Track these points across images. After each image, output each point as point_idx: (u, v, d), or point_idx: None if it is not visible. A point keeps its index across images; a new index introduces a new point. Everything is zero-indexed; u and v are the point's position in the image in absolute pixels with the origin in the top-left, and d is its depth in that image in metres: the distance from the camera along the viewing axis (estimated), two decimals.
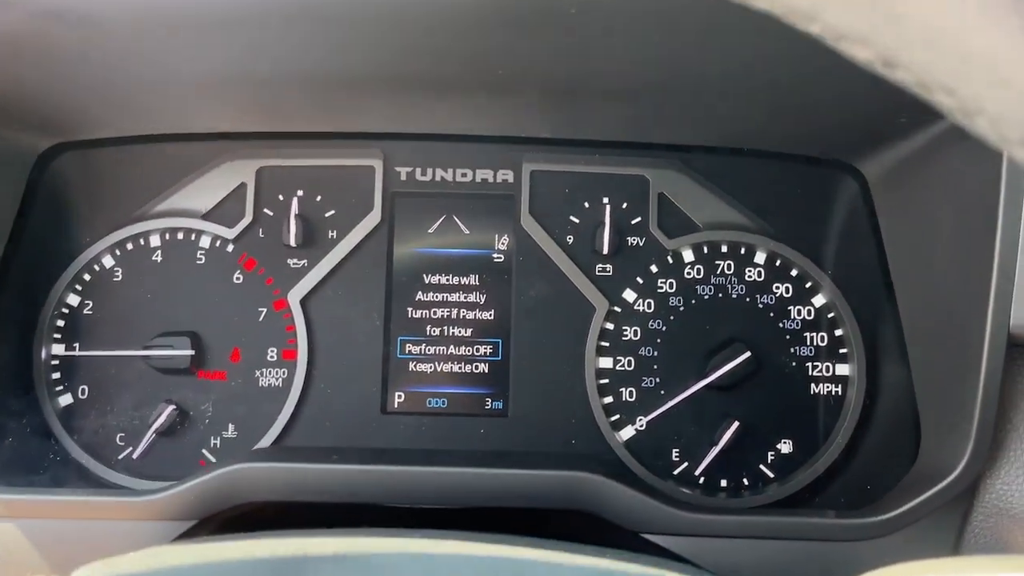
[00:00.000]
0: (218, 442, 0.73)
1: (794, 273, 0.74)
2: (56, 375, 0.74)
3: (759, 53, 0.54)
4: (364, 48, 0.59)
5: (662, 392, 0.73)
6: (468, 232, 0.76)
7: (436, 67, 0.61)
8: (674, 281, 0.74)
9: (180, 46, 0.56)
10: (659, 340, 0.74)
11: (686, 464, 0.73)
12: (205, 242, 0.75)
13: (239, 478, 0.59)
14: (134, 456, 0.73)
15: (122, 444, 0.73)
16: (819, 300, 0.74)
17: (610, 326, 0.74)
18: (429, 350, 0.75)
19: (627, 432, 0.73)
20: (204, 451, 0.73)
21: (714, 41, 0.54)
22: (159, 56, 0.58)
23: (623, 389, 0.73)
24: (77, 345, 0.74)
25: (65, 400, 0.73)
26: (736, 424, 0.71)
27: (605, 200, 0.74)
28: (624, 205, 0.75)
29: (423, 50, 0.58)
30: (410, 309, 0.75)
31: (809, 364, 0.73)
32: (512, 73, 0.62)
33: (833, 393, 0.73)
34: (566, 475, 0.59)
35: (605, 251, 0.73)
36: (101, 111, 0.69)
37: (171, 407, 0.72)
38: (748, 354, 0.71)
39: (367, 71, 0.63)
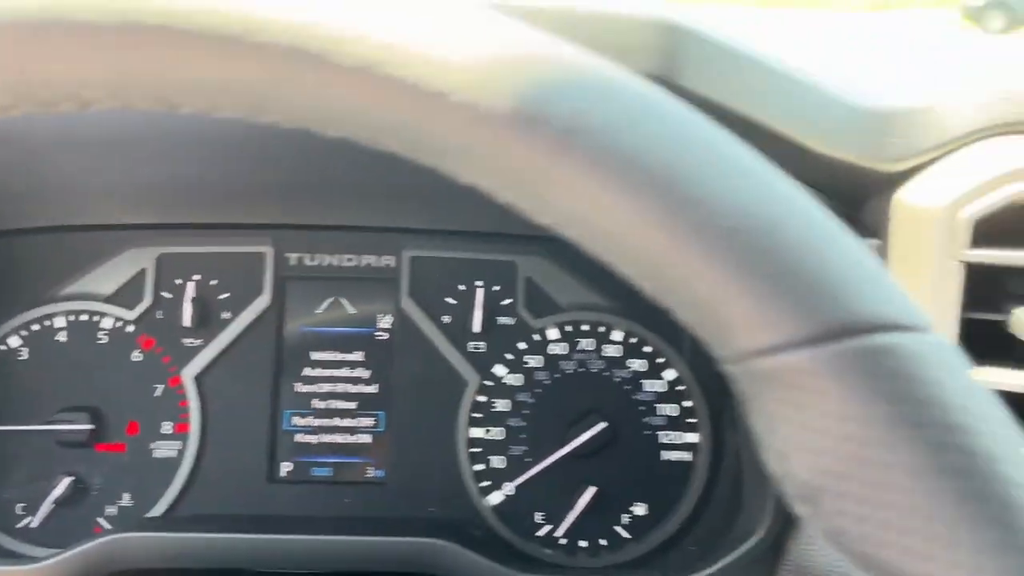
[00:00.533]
0: (114, 511, 0.78)
1: (648, 350, 0.82)
2: None
3: None
4: (235, 161, 0.67)
5: (528, 460, 0.80)
6: (354, 312, 0.83)
7: (309, 176, 0.69)
8: (541, 357, 0.82)
9: (76, 161, 0.63)
10: (527, 411, 0.81)
11: (550, 527, 0.79)
12: (107, 323, 0.81)
13: (122, 546, 0.65)
14: (32, 525, 0.77)
15: (22, 513, 0.78)
16: (670, 374, 0.81)
17: (482, 399, 0.80)
18: (315, 422, 0.81)
19: (496, 497, 0.79)
20: (100, 519, 0.78)
21: None
22: (58, 168, 0.65)
23: (493, 457, 0.80)
24: None
25: None
26: (594, 489, 0.78)
27: (478, 283, 0.82)
28: (495, 288, 0.82)
29: (289, 163, 0.65)
30: (298, 384, 0.82)
31: (661, 432, 0.80)
32: (381, 177, 0.70)
33: (682, 460, 0.80)
34: (413, 542, 0.65)
35: (477, 330, 0.81)
36: (5, 208, 0.75)
37: (69, 478, 0.77)
38: (604, 424, 0.78)
39: (248, 179, 0.71)
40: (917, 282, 0.55)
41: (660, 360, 0.81)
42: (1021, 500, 0.28)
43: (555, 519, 0.79)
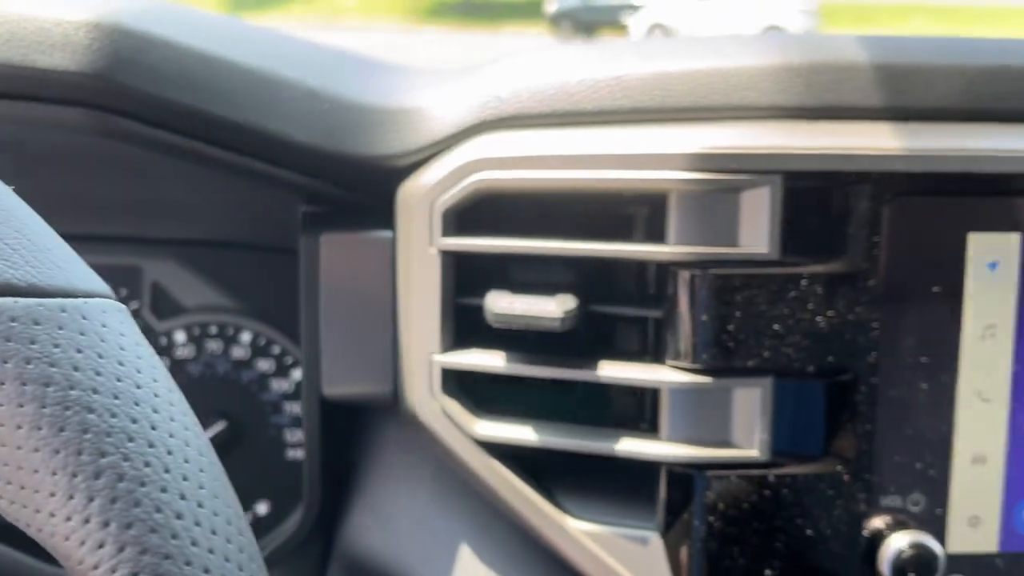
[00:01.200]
0: None
1: (276, 351, 0.83)
2: None
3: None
4: None
5: None
6: None
7: None
8: (167, 360, 0.82)
9: None
10: None
11: None
12: None
13: None
14: None
15: None
16: (298, 374, 0.83)
17: None
18: None
19: None
20: None
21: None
22: None
23: None
24: None
25: None
26: None
27: None
28: (122, 292, 0.82)
29: None
30: None
31: (286, 431, 0.82)
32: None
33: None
34: None
35: None
36: None
37: None
38: (224, 424, 0.79)
39: None
40: (411, 270, 0.58)
41: (288, 361, 0.83)
42: (112, 448, 0.30)
43: None
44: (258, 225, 0.79)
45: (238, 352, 0.84)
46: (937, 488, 0.54)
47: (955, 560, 0.55)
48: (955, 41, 0.57)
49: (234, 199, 0.74)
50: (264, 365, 0.84)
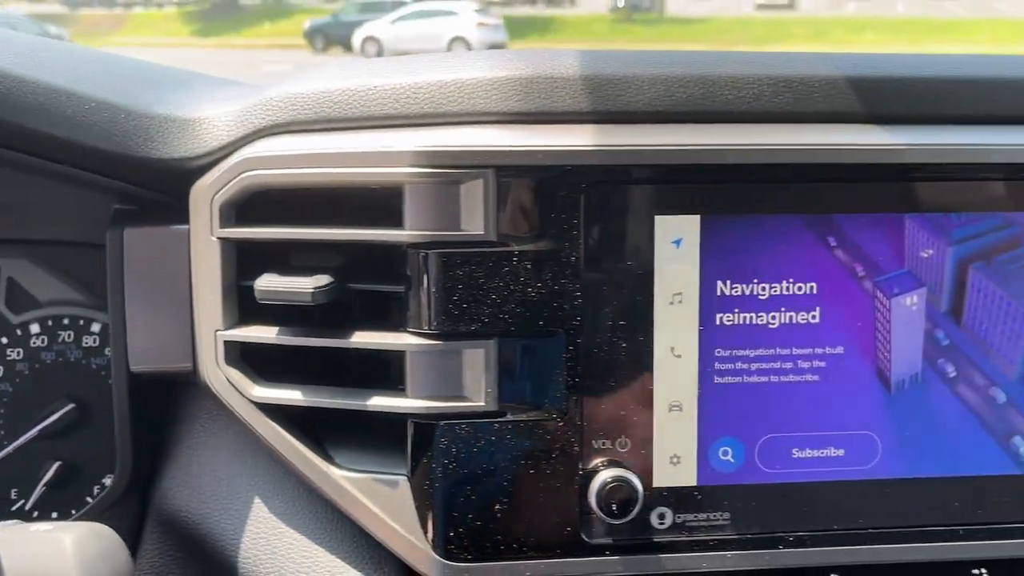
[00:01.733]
0: None
1: None
2: None
3: None
4: None
5: (5, 443, 0.88)
6: None
7: None
8: (21, 350, 0.90)
9: None
10: (6, 399, 0.89)
11: (22, 502, 0.87)
12: None
13: None
14: None
15: None
16: None
17: None
18: None
19: None
20: None
21: None
22: None
23: None
24: None
25: None
26: (58, 463, 0.87)
27: None
28: None
29: None
30: None
31: None
32: None
33: None
34: None
35: None
36: None
37: None
38: (71, 406, 0.87)
39: None
40: (198, 257, 0.67)
41: None
42: None
43: (25, 495, 0.87)
44: (100, 226, 0.88)
45: (88, 341, 0.92)
46: (641, 432, 0.64)
47: (659, 493, 0.65)
48: (655, 53, 0.67)
49: (73, 202, 0.82)
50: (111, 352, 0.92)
